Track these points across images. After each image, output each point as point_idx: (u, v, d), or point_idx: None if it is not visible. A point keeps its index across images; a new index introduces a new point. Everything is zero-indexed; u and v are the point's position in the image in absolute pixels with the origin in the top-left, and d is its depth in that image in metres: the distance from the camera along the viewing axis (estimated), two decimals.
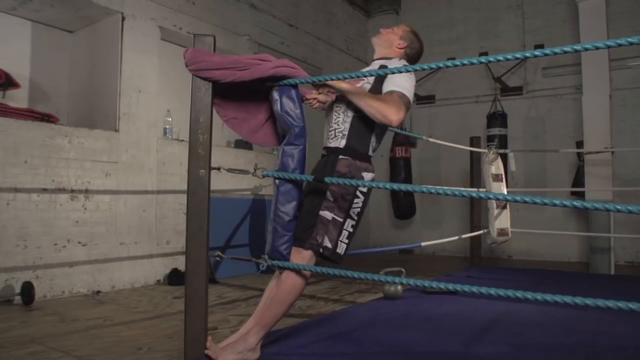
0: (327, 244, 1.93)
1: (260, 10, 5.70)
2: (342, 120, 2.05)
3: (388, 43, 2.22)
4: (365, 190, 1.99)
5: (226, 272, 4.46)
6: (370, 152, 2.07)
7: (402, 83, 1.96)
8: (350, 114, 2.03)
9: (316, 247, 1.92)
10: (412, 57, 2.24)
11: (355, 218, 1.99)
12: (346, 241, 1.97)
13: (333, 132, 2.07)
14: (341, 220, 1.96)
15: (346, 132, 2.03)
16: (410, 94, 1.98)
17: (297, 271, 1.93)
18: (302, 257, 1.94)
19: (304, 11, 6.54)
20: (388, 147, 6.60)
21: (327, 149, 2.08)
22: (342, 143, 2.03)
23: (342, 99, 2.06)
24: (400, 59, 2.16)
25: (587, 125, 5.16)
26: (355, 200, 1.97)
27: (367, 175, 2.01)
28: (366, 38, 8.11)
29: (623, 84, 5.93)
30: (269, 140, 2.25)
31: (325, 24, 7.06)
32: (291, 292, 1.95)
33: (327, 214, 1.94)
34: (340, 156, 2.00)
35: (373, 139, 2.07)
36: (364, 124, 2.01)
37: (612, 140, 5.06)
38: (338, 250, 1.95)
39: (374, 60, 2.23)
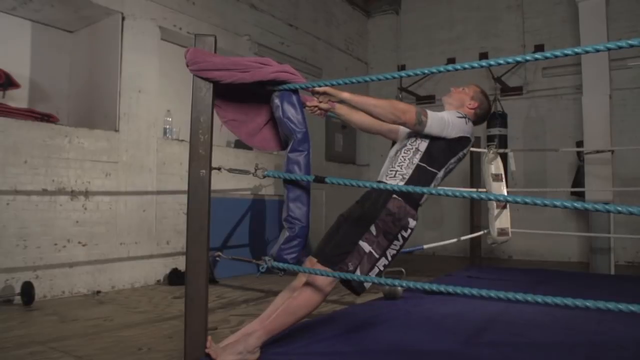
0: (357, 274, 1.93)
1: (260, 10, 5.70)
2: (406, 165, 2.07)
3: (459, 103, 2.25)
4: (407, 235, 2.01)
5: (226, 272, 4.46)
6: (421, 201, 2.08)
7: (441, 113, 2.03)
8: (416, 161, 2.06)
9: (344, 272, 1.91)
10: (481, 117, 2.28)
11: (389, 259, 2.01)
12: (374, 277, 1.97)
13: (394, 172, 2.09)
14: (377, 256, 1.97)
15: (407, 177, 2.05)
16: (433, 116, 2.00)
17: (317, 288, 1.92)
18: (324, 276, 1.92)
19: (304, 11, 6.54)
20: (388, 147, 6.59)
21: (383, 184, 2.08)
22: (399, 184, 2.03)
23: (413, 149, 2.07)
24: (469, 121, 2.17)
25: (587, 125, 5.15)
26: (395, 242, 2.00)
27: (412, 223, 2.03)
28: (366, 38, 8.11)
29: (623, 84, 5.93)
30: (267, 144, 2.25)
31: (325, 24, 7.05)
32: (305, 307, 1.94)
33: (365, 246, 1.95)
34: (394, 196, 2.01)
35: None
36: (426, 175, 2.04)
37: (612, 140, 5.06)
38: (365, 285, 1.97)
39: None
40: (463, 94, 2.26)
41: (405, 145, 2.13)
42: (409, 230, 2.02)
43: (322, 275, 1.87)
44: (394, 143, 2.34)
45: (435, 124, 2.00)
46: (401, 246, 2.03)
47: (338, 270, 1.91)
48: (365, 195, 2.13)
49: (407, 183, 2.04)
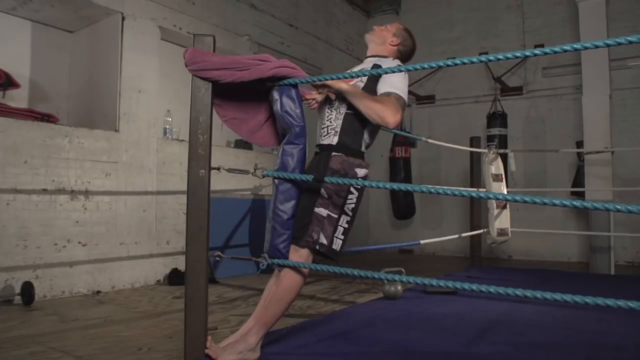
0: (323, 240, 1.93)
1: (260, 10, 5.70)
2: (334, 117, 2.05)
3: (381, 40, 2.22)
4: (358, 186, 1.99)
5: (226, 272, 4.46)
6: (363, 149, 2.07)
7: (397, 84, 1.96)
8: (342, 110, 2.03)
9: (312, 244, 1.93)
10: (405, 54, 2.24)
11: (350, 214, 1.99)
12: (342, 237, 1.97)
13: (326, 129, 2.07)
14: (336, 216, 1.96)
15: (338, 129, 2.03)
16: (405, 95, 1.98)
17: (295, 269, 1.94)
18: (299, 255, 1.94)
19: (304, 11, 6.54)
20: (388, 147, 6.60)
21: (320, 146, 2.08)
22: (334, 140, 2.02)
23: (336, 97, 2.06)
24: (394, 58, 2.17)
25: (587, 125, 5.16)
26: (350, 197, 1.97)
27: (360, 172, 2.00)
28: None
29: (623, 84, 5.93)
30: (268, 141, 2.26)
31: (325, 24, 7.06)
32: (290, 291, 1.95)
33: (322, 211, 1.95)
34: (333, 153, 2.00)
35: (366, 136, 2.06)
36: (356, 120, 2.01)
37: (612, 140, 5.06)
38: (334, 247, 1.95)
39: (367, 57, 2.24)
40: (385, 32, 2.23)
41: (329, 100, 2.10)
42: (361, 180, 1.97)
43: (310, 268, 1.89)
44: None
45: (405, 103, 1.97)
46: (358, 198, 2.00)
47: (305, 244, 1.92)
48: (309, 165, 2.10)
49: (340, 135, 2.01)
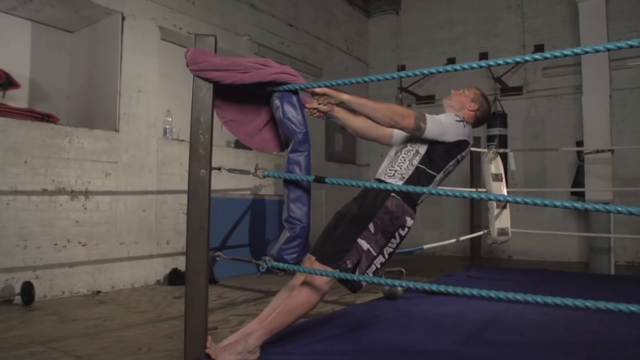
0: (355, 272, 1.93)
1: (260, 10, 5.70)
2: (406, 166, 2.08)
3: (460, 105, 2.25)
4: (404, 233, 2.02)
5: (226, 272, 4.46)
6: (418, 201, 2.09)
7: (439, 116, 2.04)
8: (415, 163, 2.06)
9: (343, 270, 1.92)
10: (481, 119, 2.29)
11: (387, 257, 2.01)
12: (371, 275, 1.98)
13: (394, 171, 2.09)
14: (375, 254, 1.97)
15: (406, 177, 2.06)
16: (432, 120, 2.00)
17: (315, 287, 1.93)
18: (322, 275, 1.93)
19: (304, 11, 6.54)
20: (388, 147, 6.59)
21: (381, 181, 2.09)
22: (398, 183, 2.04)
23: (413, 151, 2.09)
24: (470, 124, 2.19)
25: (587, 125, 5.15)
26: (392, 240, 2.00)
27: (409, 222, 2.03)
28: (366, 38, 8.11)
29: (623, 84, 5.93)
30: (266, 145, 2.25)
31: (325, 24, 7.06)
32: (303, 306, 1.95)
33: (364, 244, 1.95)
34: (393, 194, 2.01)
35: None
36: (425, 177, 2.04)
37: (612, 140, 5.06)
38: (362, 283, 1.97)
39: None
40: (463, 97, 2.27)
41: (406, 146, 2.14)
42: (406, 229, 2.03)
43: (322, 275, 1.87)
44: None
45: (434, 129, 2.00)
46: (398, 244, 2.03)
47: (337, 268, 1.92)
48: (363, 193, 2.13)
49: (405, 182, 2.04)
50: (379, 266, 1.99)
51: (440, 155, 2.07)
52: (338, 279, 1.97)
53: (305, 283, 1.95)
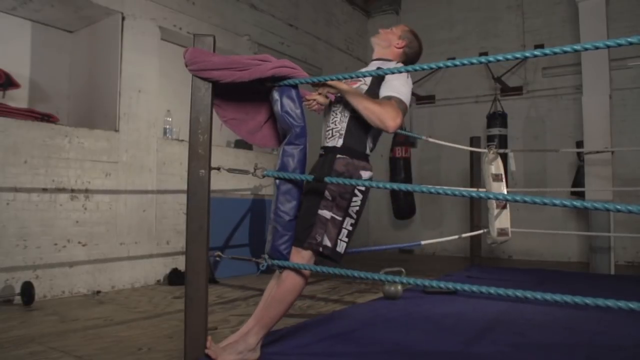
0: (327, 242, 1.93)
1: (260, 10, 5.70)
2: (339, 120, 2.06)
3: (387, 42, 2.22)
4: (363, 188, 1.99)
5: (226, 272, 4.46)
6: (367, 151, 2.08)
7: (400, 88, 1.96)
8: (347, 113, 2.04)
9: (315, 246, 1.92)
10: (411, 56, 2.24)
11: (354, 216, 2.00)
12: (345, 240, 1.97)
13: (330, 131, 2.08)
14: (340, 219, 1.96)
15: (343, 132, 2.04)
16: (407, 100, 1.98)
17: (297, 271, 1.94)
18: (301, 256, 1.94)
19: (304, 11, 6.54)
20: (388, 147, 6.60)
21: (325, 148, 2.09)
22: (339, 142, 2.04)
23: (341, 99, 2.06)
24: (398, 62, 2.17)
25: (587, 125, 5.16)
26: (354, 199, 1.98)
27: (365, 174, 2.02)
28: (366, 38, 8.11)
29: (623, 84, 5.93)
30: (267, 142, 2.26)
31: (325, 24, 7.06)
32: (291, 292, 1.95)
33: (325, 213, 1.94)
34: (338, 155, 2.01)
35: (370, 138, 2.08)
36: (361, 123, 2.01)
37: (612, 140, 5.06)
38: (338, 249, 1.95)
39: (372, 60, 2.24)
40: (390, 34, 2.22)
41: (334, 104, 2.11)
42: (361, 180, 1.98)
43: (311, 270, 1.88)
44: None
45: (406, 108, 1.97)
46: (362, 200, 2.00)
47: (308, 246, 1.92)
48: (313, 167, 2.11)
49: (345, 137, 2.02)
50: (350, 228, 1.98)
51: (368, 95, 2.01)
52: (320, 256, 1.97)
53: (286, 270, 1.95)
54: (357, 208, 2.00)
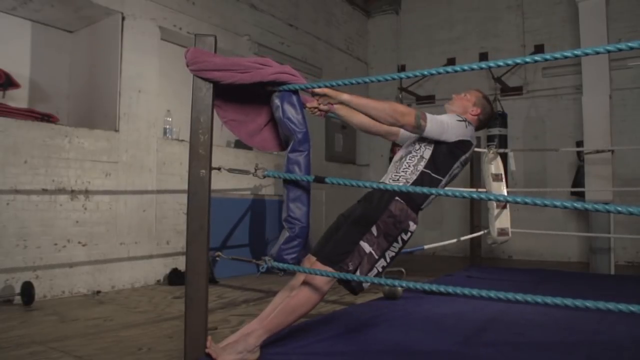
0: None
1: (260, 10, 5.70)
2: (411, 171, 2.08)
3: (462, 110, 2.24)
4: (406, 238, 2.02)
5: (226, 272, 4.46)
6: (422, 206, 2.09)
7: (440, 116, 2.04)
8: (420, 168, 2.07)
9: (344, 272, 1.92)
10: (484, 122, 2.29)
11: (388, 261, 2.01)
12: (373, 278, 1.98)
13: (399, 177, 2.10)
14: (376, 257, 1.97)
15: (411, 182, 2.06)
16: (432, 119, 2.00)
17: (315, 287, 1.93)
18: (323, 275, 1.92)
19: (304, 11, 6.54)
20: (388, 147, 6.60)
21: (384, 184, 2.09)
22: (400, 185, 2.04)
23: (415, 150, 2.11)
24: (474, 128, 2.20)
25: (587, 125, 5.15)
26: (394, 244, 2.00)
27: (412, 226, 2.04)
28: (366, 38, 8.11)
29: (623, 84, 5.93)
30: (267, 145, 2.25)
31: (325, 24, 7.05)
32: (304, 305, 1.95)
33: (366, 247, 1.95)
34: (397, 198, 2.01)
35: (429, 197, 2.08)
36: (430, 181, 2.05)
37: (612, 140, 5.06)
38: (363, 285, 1.97)
39: None
40: (465, 101, 2.27)
41: (410, 152, 2.15)
42: (409, 234, 2.03)
43: (322, 275, 1.87)
44: (394, 144, 2.36)
45: (434, 128, 2.00)
46: (400, 249, 2.03)
47: (338, 269, 1.92)
48: (367, 196, 2.13)
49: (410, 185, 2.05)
50: (380, 270, 1.99)
51: (444, 158, 2.07)
52: (338, 280, 1.97)
53: (305, 283, 1.95)
54: (394, 254, 2.02)
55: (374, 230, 1.96)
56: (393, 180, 2.10)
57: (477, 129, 2.24)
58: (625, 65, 5.78)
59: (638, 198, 5.62)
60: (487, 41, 7.11)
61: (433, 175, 2.07)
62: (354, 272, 1.93)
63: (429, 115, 2.01)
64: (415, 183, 2.05)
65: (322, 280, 1.92)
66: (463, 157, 2.12)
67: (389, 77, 1.86)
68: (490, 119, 2.33)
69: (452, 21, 7.46)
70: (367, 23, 8.15)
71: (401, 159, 2.18)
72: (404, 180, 2.06)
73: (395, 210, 1.99)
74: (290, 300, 1.96)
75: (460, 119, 2.11)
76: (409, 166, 2.10)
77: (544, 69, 6.65)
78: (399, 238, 2.00)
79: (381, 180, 2.17)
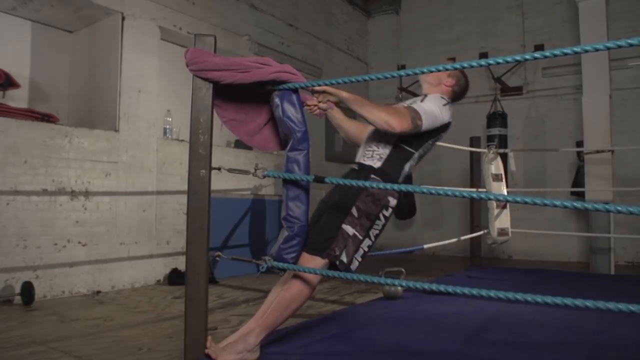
0: (344, 258, 1.94)
1: (260, 10, 5.70)
2: (383, 145, 2.09)
3: (437, 81, 2.24)
4: (387, 214, 2.02)
5: (226, 272, 4.46)
6: (400, 180, 2.10)
7: (424, 106, 2.02)
8: (393, 141, 2.06)
9: (333, 258, 1.93)
10: (459, 93, 2.28)
11: (373, 239, 2.02)
12: (360, 259, 1.99)
13: (371, 152, 2.10)
14: (361, 238, 1.98)
15: (384, 157, 2.07)
16: (426, 116, 1.99)
17: (305, 280, 1.93)
18: (314, 264, 1.94)
19: (304, 11, 6.54)
20: None
21: (360, 165, 2.11)
22: (377, 164, 2.06)
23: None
24: (446, 96, 2.19)
25: (587, 125, 5.15)
26: (377, 222, 2.00)
27: (393, 201, 2.04)
28: (366, 38, 8.12)
29: (623, 84, 5.93)
30: (267, 144, 2.25)
31: (325, 24, 7.06)
32: (296, 299, 1.95)
33: (349, 229, 1.96)
34: (372, 175, 2.03)
35: (406, 168, 2.11)
36: (403, 153, 2.05)
37: (612, 140, 5.06)
38: (351, 267, 1.97)
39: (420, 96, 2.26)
40: (440, 72, 2.24)
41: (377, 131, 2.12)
42: (390, 209, 2.04)
43: (317, 274, 1.88)
44: None
45: (429, 123, 2.01)
46: (383, 225, 2.03)
47: (326, 257, 1.93)
48: (344, 178, 2.13)
49: (384, 161, 2.05)
50: (366, 249, 2.00)
51: (419, 133, 2.05)
52: (330, 265, 1.97)
53: (295, 276, 1.96)
54: (377, 232, 2.03)
55: (354, 211, 1.97)
56: (366, 157, 2.10)
57: (452, 100, 2.22)
58: (625, 65, 5.78)
59: (638, 198, 5.62)
60: (487, 41, 7.11)
61: (406, 148, 2.07)
62: (340, 255, 1.93)
63: (421, 112, 1.99)
64: (389, 157, 2.05)
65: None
66: (439, 135, 2.14)
67: (388, 75, 1.85)
68: (465, 92, 2.30)
69: (452, 21, 7.46)
70: (367, 23, 8.16)
71: (373, 134, 2.17)
72: (377, 156, 2.07)
73: (372, 188, 1.99)
74: (284, 295, 1.96)
75: (445, 101, 2.09)
76: (381, 140, 2.09)
77: (544, 69, 6.66)
78: (381, 215, 2.00)
79: (355, 159, 2.17)
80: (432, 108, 2.03)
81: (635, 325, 2.54)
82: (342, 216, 1.97)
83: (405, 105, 2.04)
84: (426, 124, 2.00)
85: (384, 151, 2.08)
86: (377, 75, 1.85)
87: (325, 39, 7.00)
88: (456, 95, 2.26)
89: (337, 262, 1.93)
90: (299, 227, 1.95)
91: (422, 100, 2.09)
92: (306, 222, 1.97)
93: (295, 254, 1.95)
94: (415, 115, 1.97)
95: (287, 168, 1.98)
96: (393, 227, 7.66)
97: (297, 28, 6.37)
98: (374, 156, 2.08)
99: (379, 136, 2.11)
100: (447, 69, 1.66)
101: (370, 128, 2.20)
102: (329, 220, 2.00)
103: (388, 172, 2.05)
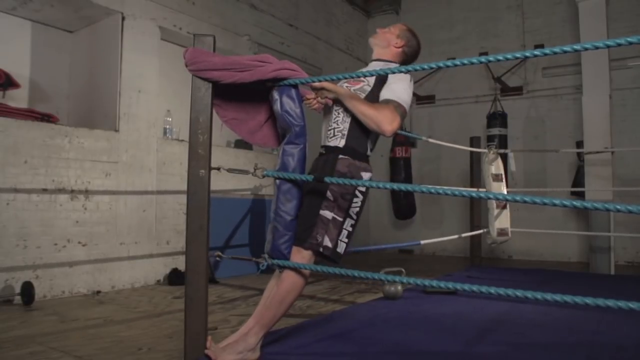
0: (328, 243, 1.93)
1: (260, 10, 5.70)
2: (341, 120, 2.06)
3: (385, 42, 2.22)
4: (364, 189, 2.00)
5: (226, 272, 4.46)
6: (368, 152, 2.09)
7: (400, 93, 1.98)
8: (349, 113, 2.03)
9: (316, 246, 1.93)
10: (410, 55, 2.24)
11: (355, 217, 2.00)
12: (346, 240, 1.98)
13: (332, 130, 2.08)
14: (341, 219, 1.96)
15: (346, 132, 2.04)
16: (407, 104, 2.00)
17: (297, 270, 1.94)
18: (302, 256, 1.94)
19: (304, 11, 6.54)
20: (388, 147, 6.61)
21: (326, 147, 2.09)
22: (341, 142, 2.04)
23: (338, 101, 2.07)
24: (399, 62, 2.17)
25: (587, 125, 5.16)
26: (355, 200, 1.98)
27: (366, 175, 2.02)
28: (366, 38, 8.10)
29: (623, 84, 5.93)
30: (268, 141, 2.26)
31: (325, 24, 7.06)
32: (290, 292, 1.95)
33: (327, 214, 1.95)
34: (340, 155, 2.02)
35: (370, 140, 2.09)
36: (364, 127, 2.01)
37: (612, 140, 5.06)
38: (338, 250, 1.95)
39: (372, 60, 2.24)
40: (389, 34, 2.22)
41: (336, 103, 2.10)
42: (362, 180, 2.00)
43: (311, 270, 1.88)
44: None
45: (406, 110, 1.99)
46: (363, 201, 2.01)
47: (309, 246, 1.92)
48: (314, 166, 2.11)
49: (347, 138, 2.02)
50: (350, 229, 1.99)
51: (375, 101, 2.02)
52: (320, 257, 1.97)
53: (287, 269, 1.95)
54: (357, 209, 2.01)
55: (329, 195, 1.95)
56: (329, 138, 2.07)
57: (403, 62, 2.20)
58: (625, 65, 5.78)
59: (638, 198, 5.62)
60: (487, 41, 7.11)
61: None
62: (323, 241, 1.92)
63: (404, 104, 1.97)
64: (350, 131, 2.02)
65: (302, 261, 1.93)
66: None
67: (388, 72, 1.86)
68: (417, 52, 2.26)
69: (452, 21, 7.47)
70: (367, 23, 8.16)
71: (329, 110, 2.14)
72: (340, 134, 2.04)
73: (342, 168, 1.98)
74: (278, 290, 1.96)
75: (409, 77, 2.05)
76: (339, 114, 2.07)
77: (544, 69, 6.66)
78: (357, 192, 1.98)
79: (321, 143, 2.13)
80: (407, 94, 2.01)
81: (635, 326, 2.54)
82: (318, 202, 1.96)
83: (389, 99, 1.97)
84: (405, 113, 1.99)
85: (343, 126, 2.04)
86: (377, 72, 1.85)
87: (325, 39, 7.00)
88: (407, 57, 2.22)
89: (321, 249, 1.92)
90: (289, 221, 1.95)
91: (394, 83, 2.00)
92: (295, 216, 1.97)
93: (290, 249, 1.96)
94: (402, 112, 1.96)
95: (282, 161, 1.98)
96: (393, 227, 7.67)
97: (297, 28, 6.37)
98: (336, 134, 2.05)
99: (335, 112, 2.08)
100: (447, 66, 1.66)
101: (326, 107, 2.18)
102: (306, 208, 1.99)
103: (354, 147, 2.02)
